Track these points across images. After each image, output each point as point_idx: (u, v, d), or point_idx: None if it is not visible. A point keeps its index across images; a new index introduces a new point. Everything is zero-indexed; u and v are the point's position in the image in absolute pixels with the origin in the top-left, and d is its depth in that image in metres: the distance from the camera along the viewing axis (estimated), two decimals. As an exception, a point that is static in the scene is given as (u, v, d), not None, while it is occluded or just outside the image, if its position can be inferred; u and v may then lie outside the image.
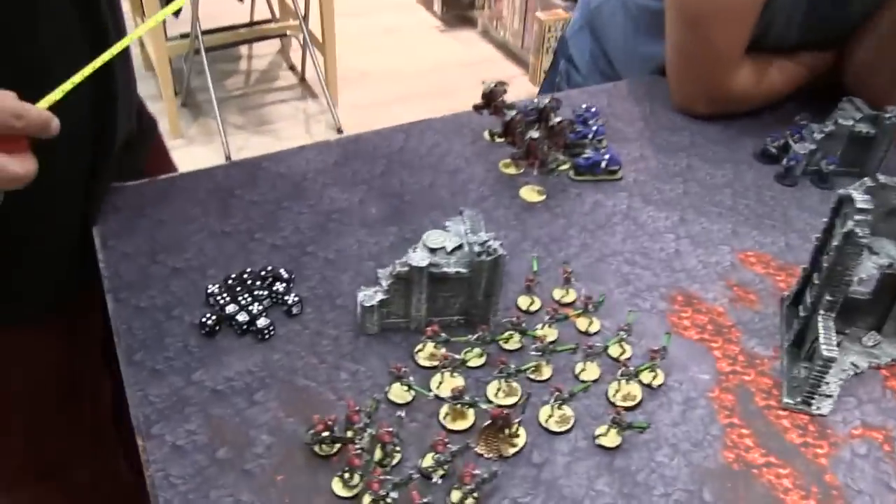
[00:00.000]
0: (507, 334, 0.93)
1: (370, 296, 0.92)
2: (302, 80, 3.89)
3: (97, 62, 0.78)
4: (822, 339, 0.84)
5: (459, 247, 0.92)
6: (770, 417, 0.88)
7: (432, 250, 0.92)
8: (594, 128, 1.23)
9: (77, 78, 0.78)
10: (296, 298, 0.95)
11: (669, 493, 0.79)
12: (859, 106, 1.23)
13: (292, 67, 3.99)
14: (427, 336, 0.91)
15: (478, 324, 0.93)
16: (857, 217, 0.82)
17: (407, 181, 1.17)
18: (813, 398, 0.87)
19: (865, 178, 0.87)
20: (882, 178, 0.87)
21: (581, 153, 1.19)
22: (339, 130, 3.39)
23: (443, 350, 0.91)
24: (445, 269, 0.91)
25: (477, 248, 0.90)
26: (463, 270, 0.91)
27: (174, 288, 0.97)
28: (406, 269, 0.90)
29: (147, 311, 0.94)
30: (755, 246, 1.10)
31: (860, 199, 0.83)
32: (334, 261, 1.03)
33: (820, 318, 0.87)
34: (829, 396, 0.89)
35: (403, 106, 3.50)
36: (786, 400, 0.89)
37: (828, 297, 0.86)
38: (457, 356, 0.89)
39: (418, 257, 0.90)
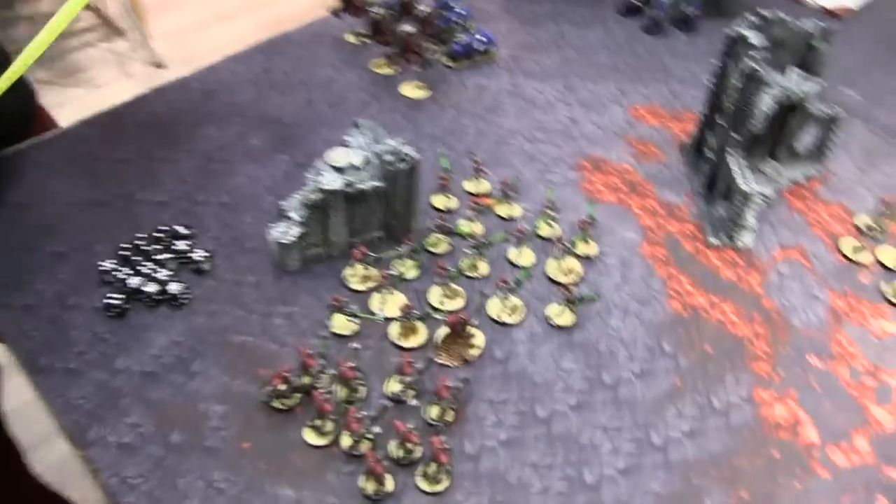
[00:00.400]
0: (433, 239, 0.90)
1: (284, 231, 0.86)
2: (103, 15, 3.52)
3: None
4: (737, 177, 0.87)
5: (366, 161, 0.87)
6: (702, 260, 0.91)
7: (339, 169, 0.86)
8: (460, 10, 1.17)
9: None
10: (204, 254, 0.87)
11: (633, 354, 0.81)
12: (707, -57, 1.24)
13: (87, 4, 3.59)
14: (356, 259, 0.86)
15: (400, 235, 0.89)
16: (755, 54, 0.83)
17: (281, 103, 1.09)
18: (737, 232, 0.91)
19: (748, 16, 0.88)
20: (765, 12, 0.88)
21: (453, 39, 1.14)
22: (159, 65, 3.12)
23: (375, 270, 0.87)
24: (361, 186, 0.85)
25: (389, 157, 0.85)
26: (380, 184, 0.86)
27: (61, 275, 0.86)
28: (319, 195, 0.84)
29: (37, 309, 0.83)
30: (643, 100, 1.11)
31: (753, 35, 0.84)
32: (230, 203, 0.95)
33: (730, 158, 0.89)
34: (749, 229, 0.93)
35: (225, 25, 3.24)
36: (711, 240, 0.92)
37: (735, 136, 0.88)
38: (392, 272, 0.85)
39: (329, 179, 0.84)
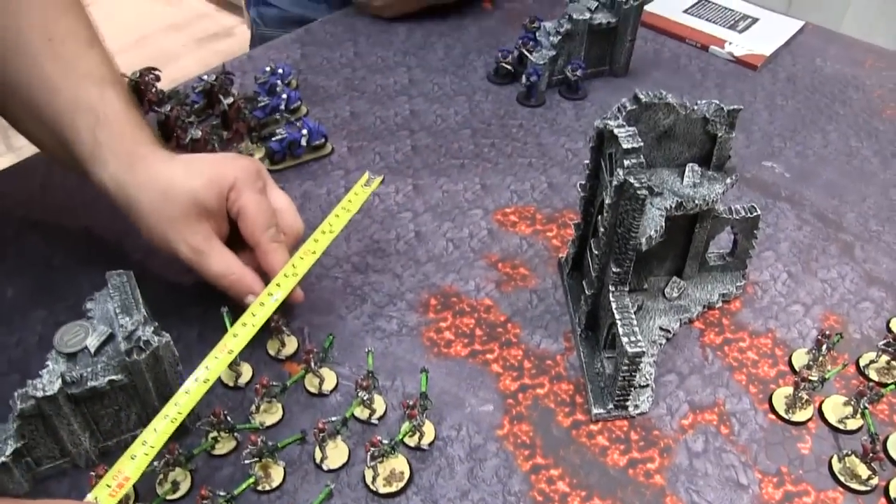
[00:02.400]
0: (210, 439, 0.64)
1: (-1, 447, 0.59)
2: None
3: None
4: (621, 330, 0.62)
5: (110, 338, 0.61)
6: (582, 440, 0.65)
7: (71, 356, 0.60)
8: (284, 95, 0.92)
9: None
10: None
11: None
12: (591, -8, 1.01)
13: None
14: (92, 484, 0.59)
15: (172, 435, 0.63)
16: (629, 162, 0.59)
17: (54, 235, 0.81)
18: (627, 399, 0.66)
19: (623, 101, 0.64)
20: (641, 94, 0.64)
21: (273, 135, 0.89)
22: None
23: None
24: (93, 384, 0.59)
25: (123, 345, 0.59)
26: (118, 377, 0.60)
27: None
28: (31, 402, 0.57)
29: None
30: (512, 198, 0.87)
31: (624, 134, 0.59)
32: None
33: (612, 298, 0.64)
34: (646, 386, 0.68)
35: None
36: (595, 411, 0.66)
37: (615, 269, 0.64)
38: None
39: (47, 381, 0.58)
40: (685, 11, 1.19)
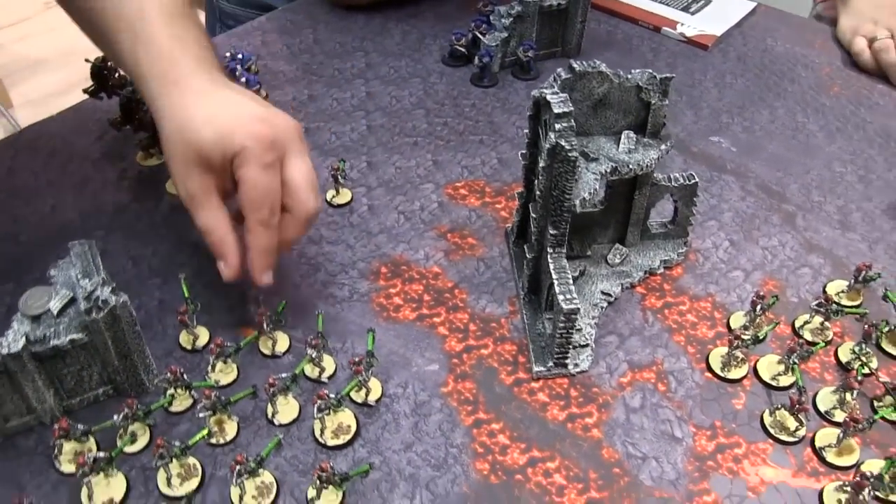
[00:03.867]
0: (167, 396, 0.66)
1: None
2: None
3: None
4: (557, 289, 0.64)
5: (71, 301, 0.64)
6: (523, 396, 0.68)
7: (35, 318, 0.63)
8: (243, 79, 0.94)
9: None
10: None
11: (417, 558, 0.58)
12: (544, -25, 1.04)
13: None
14: (56, 436, 0.62)
15: (130, 390, 0.66)
16: (559, 125, 0.61)
17: (21, 213, 0.84)
18: (566, 356, 0.68)
19: (559, 70, 0.67)
20: (576, 64, 0.67)
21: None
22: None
23: (89, 442, 0.63)
24: (55, 343, 0.62)
25: (83, 304, 0.62)
26: (78, 336, 0.62)
27: None
28: None
29: None
30: (463, 173, 0.89)
31: (556, 100, 0.62)
32: None
33: (550, 259, 0.67)
34: (586, 346, 0.70)
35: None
36: (536, 369, 0.69)
37: (552, 231, 0.66)
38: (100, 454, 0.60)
39: (11, 340, 0.60)
40: (639, -6, 1.22)
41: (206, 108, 0.65)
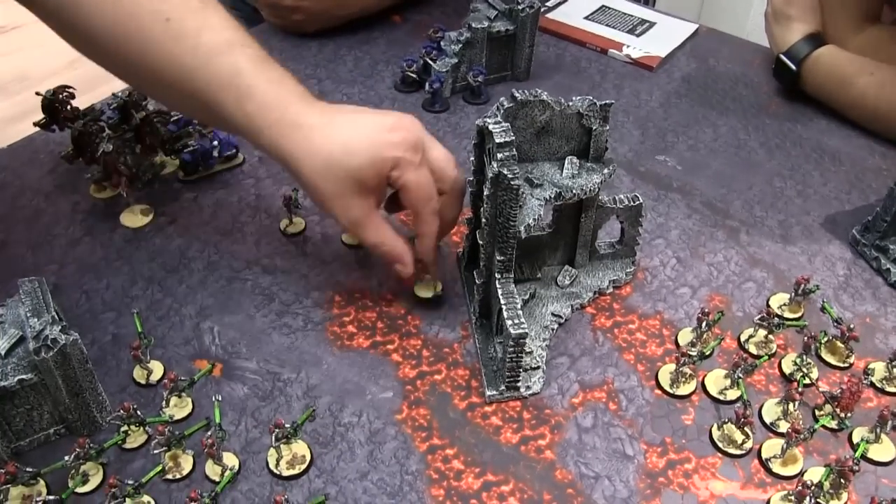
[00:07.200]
0: (121, 433, 0.66)
1: None
2: None
3: None
4: (505, 314, 0.66)
5: (20, 341, 0.63)
6: (477, 421, 0.69)
7: None
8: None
9: None
10: None
11: (373, 588, 0.58)
12: (493, 3, 1.06)
13: None
14: (2, 481, 0.61)
15: (83, 430, 0.66)
16: (501, 154, 0.63)
17: None
18: (517, 380, 0.69)
19: (501, 100, 0.69)
20: (518, 93, 0.68)
21: (187, 146, 0.91)
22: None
23: (39, 485, 0.63)
24: (2, 384, 0.62)
25: (32, 344, 0.61)
26: (27, 376, 0.62)
27: None
28: None
29: None
30: (416, 199, 0.90)
31: (498, 130, 0.64)
32: None
33: (498, 285, 0.68)
34: (537, 368, 0.72)
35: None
36: (489, 393, 0.70)
37: (499, 257, 0.68)
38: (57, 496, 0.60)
39: None
40: (586, 18, 1.25)
41: (339, 137, 0.68)
